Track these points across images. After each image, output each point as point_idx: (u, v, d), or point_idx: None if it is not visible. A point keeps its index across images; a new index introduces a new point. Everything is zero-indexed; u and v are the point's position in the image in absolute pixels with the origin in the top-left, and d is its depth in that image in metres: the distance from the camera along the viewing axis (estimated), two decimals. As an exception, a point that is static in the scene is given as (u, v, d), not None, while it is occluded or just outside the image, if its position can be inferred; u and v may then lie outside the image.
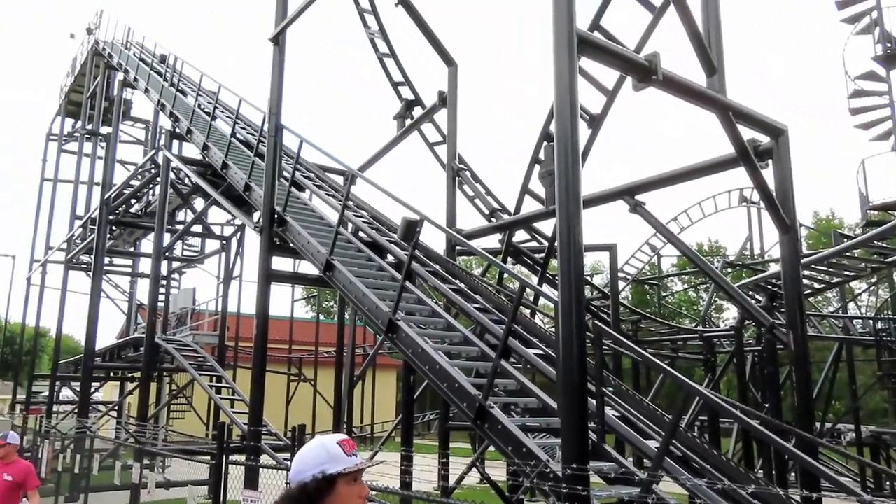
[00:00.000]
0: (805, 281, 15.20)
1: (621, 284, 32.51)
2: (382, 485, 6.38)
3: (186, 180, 18.22)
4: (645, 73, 6.01)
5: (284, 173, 10.66)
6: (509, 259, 13.33)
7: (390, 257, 9.55)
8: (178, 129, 14.80)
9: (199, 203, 19.63)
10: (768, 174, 7.21)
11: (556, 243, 10.58)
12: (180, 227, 19.73)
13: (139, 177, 18.89)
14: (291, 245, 9.25)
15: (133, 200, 19.53)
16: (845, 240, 14.70)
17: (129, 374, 21.65)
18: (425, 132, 14.43)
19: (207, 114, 14.00)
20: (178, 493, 10.43)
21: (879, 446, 18.91)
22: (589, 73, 9.27)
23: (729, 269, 27.08)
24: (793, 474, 13.15)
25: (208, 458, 11.98)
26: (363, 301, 7.52)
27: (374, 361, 27.90)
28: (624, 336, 16.44)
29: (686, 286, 42.02)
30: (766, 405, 14.64)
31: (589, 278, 22.66)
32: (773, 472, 12.82)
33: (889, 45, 15.69)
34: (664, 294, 37.16)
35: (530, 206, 11.08)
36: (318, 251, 8.48)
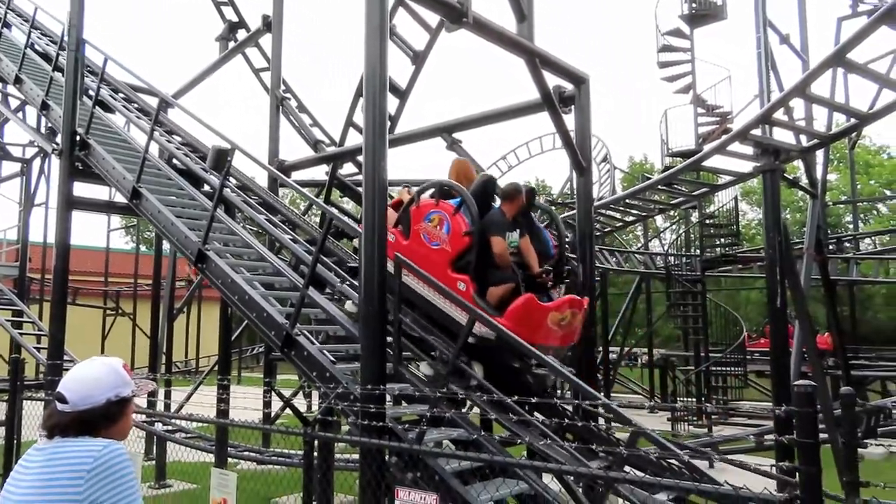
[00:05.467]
0: (617, 216, 16.66)
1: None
2: (204, 415, 6.45)
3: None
4: (457, 14, 6.18)
5: (90, 92, 9.87)
6: (337, 192, 13.34)
7: (208, 187, 9.25)
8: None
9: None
10: (571, 120, 7.77)
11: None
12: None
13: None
14: (95, 171, 8.68)
15: None
16: (649, 182, 16.21)
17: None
18: (251, 57, 13.88)
19: (-3, 20, 12.49)
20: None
21: (667, 367, 21.47)
22: (413, 9, 9.36)
23: (552, 207, 28.63)
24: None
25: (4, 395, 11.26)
26: (172, 231, 7.30)
27: (200, 294, 27.03)
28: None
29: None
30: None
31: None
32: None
33: (694, 4, 17.06)
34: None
35: (356, 139, 11.10)
36: (125, 178, 8.04)
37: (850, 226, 31.54)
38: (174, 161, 9.51)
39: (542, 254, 6.03)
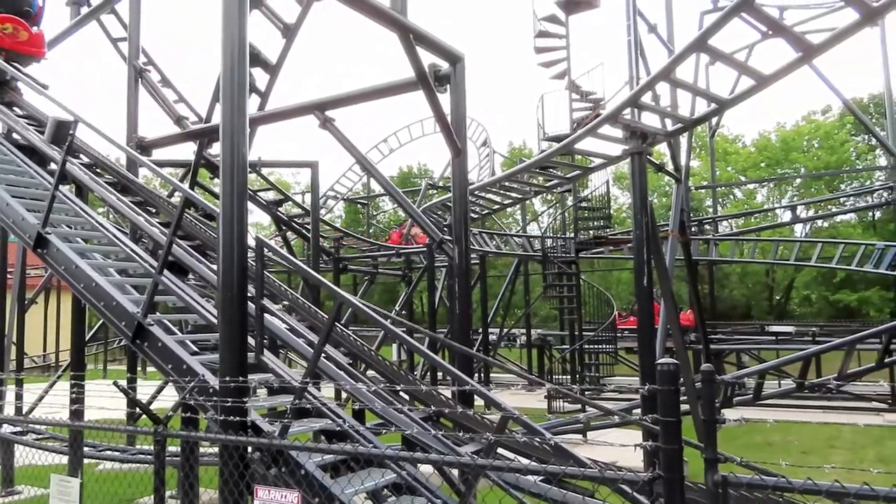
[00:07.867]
0: (496, 199, 16.80)
1: (332, 203, 32.96)
2: (59, 418, 5.88)
3: None
4: (324, -17, 5.88)
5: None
6: (207, 174, 12.59)
7: (54, 166, 8.39)
8: None
9: None
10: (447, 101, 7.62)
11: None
12: None
13: None
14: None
15: None
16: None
17: None
18: (109, 26, 12.78)
19: None
20: None
21: (544, 346, 22.11)
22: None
23: (433, 190, 28.67)
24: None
25: None
26: (7, 212, 6.55)
27: (59, 282, 25.02)
28: (325, 252, 16.76)
29: (395, 205, 43.92)
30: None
31: (300, 196, 22.44)
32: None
33: (569, -9, 17.39)
34: (375, 213, 38.48)
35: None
36: (-49, 153, 7.15)
37: (710, 209, 33.67)
38: (14, 136, 8.58)
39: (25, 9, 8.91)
